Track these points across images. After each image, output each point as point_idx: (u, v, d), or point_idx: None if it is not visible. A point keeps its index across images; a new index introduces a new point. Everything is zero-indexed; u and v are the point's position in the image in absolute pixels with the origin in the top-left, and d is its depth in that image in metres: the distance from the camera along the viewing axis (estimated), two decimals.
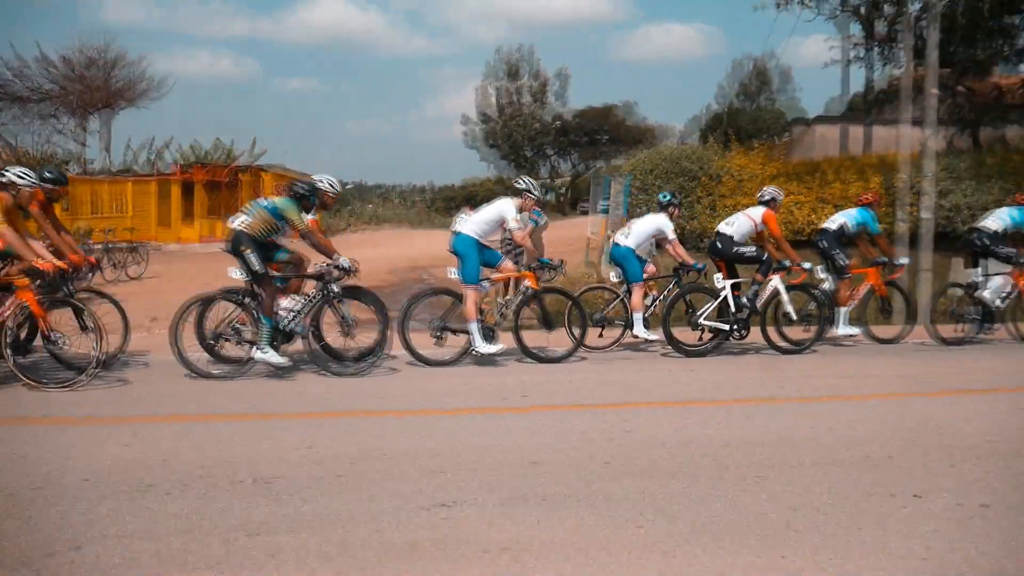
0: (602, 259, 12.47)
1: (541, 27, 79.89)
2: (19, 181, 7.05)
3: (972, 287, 9.88)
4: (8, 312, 6.71)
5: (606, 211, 16.99)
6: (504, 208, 8.35)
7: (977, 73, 19.07)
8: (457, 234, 8.33)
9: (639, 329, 8.98)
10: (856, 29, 19.76)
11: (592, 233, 17.39)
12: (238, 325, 7.53)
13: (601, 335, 9.22)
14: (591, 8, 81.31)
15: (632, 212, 13.95)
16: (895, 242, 12.85)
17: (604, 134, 42.80)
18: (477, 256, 8.22)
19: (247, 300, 7.44)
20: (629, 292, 9.14)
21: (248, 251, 7.28)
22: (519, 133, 41.23)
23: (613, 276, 9.55)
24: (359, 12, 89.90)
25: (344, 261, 7.54)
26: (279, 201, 7.57)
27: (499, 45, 73.66)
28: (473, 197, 44.95)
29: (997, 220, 9.90)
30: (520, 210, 8.45)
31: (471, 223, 8.32)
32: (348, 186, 46.26)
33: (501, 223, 8.39)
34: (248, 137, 34.15)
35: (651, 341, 9.25)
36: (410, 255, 20.08)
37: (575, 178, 44.68)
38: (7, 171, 7.15)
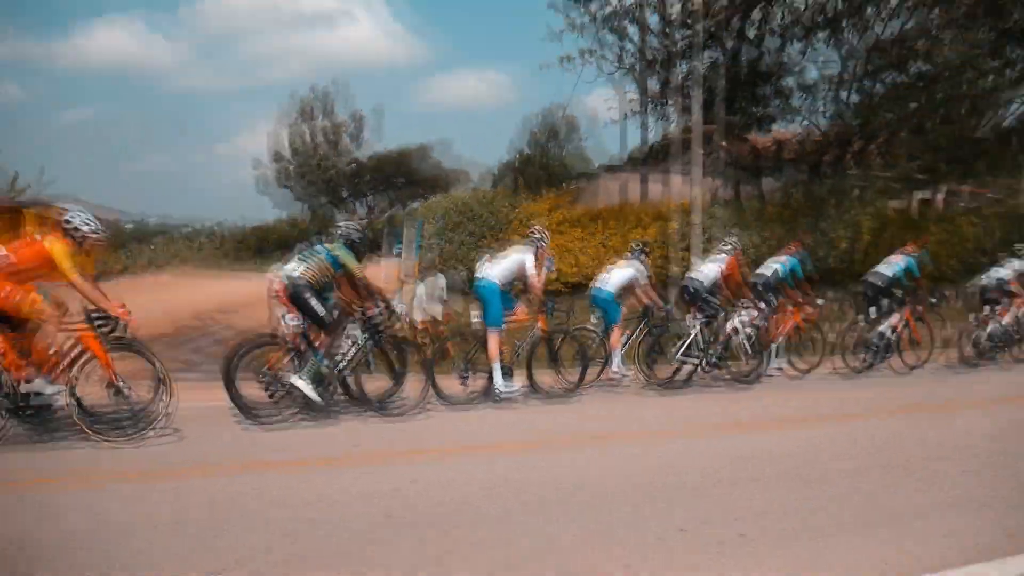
0: (411, 303, 12.40)
1: (342, 69, 79.19)
2: (84, 228, 6.87)
3: (872, 324, 11.50)
4: (74, 362, 6.66)
5: (399, 255, 16.95)
6: (524, 257, 9.04)
7: (742, 131, 21.01)
8: (481, 281, 8.91)
9: (617, 365, 9.95)
10: (634, 87, 21.21)
11: (404, 276, 17.23)
12: (267, 371, 7.64)
13: (587, 371, 9.74)
14: (394, 53, 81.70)
15: (422, 258, 13.96)
16: (668, 284, 13.74)
17: (402, 177, 42.85)
18: (500, 301, 8.82)
19: (292, 345, 7.63)
20: (607, 333, 10.01)
21: (311, 298, 7.58)
22: (314, 175, 40.46)
23: (593, 319, 10.31)
24: (145, 41, 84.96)
25: (399, 305, 8.13)
26: (337, 249, 7.88)
27: (295, 85, 72.33)
28: (264, 239, 43.45)
29: (889, 268, 11.67)
30: (536, 258, 9.13)
31: (494, 271, 8.93)
32: (129, 225, 43.27)
33: (521, 271, 9.02)
34: (17, 169, 30.79)
35: (626, 376, 10.10)
36: (194, 301, 18.96)
37: (370, 221, 44.40)
38: (73, 216, 6.89)
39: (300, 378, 7.49)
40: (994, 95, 19.77)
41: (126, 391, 6.79)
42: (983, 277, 12.52)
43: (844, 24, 17.84)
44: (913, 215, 21.63)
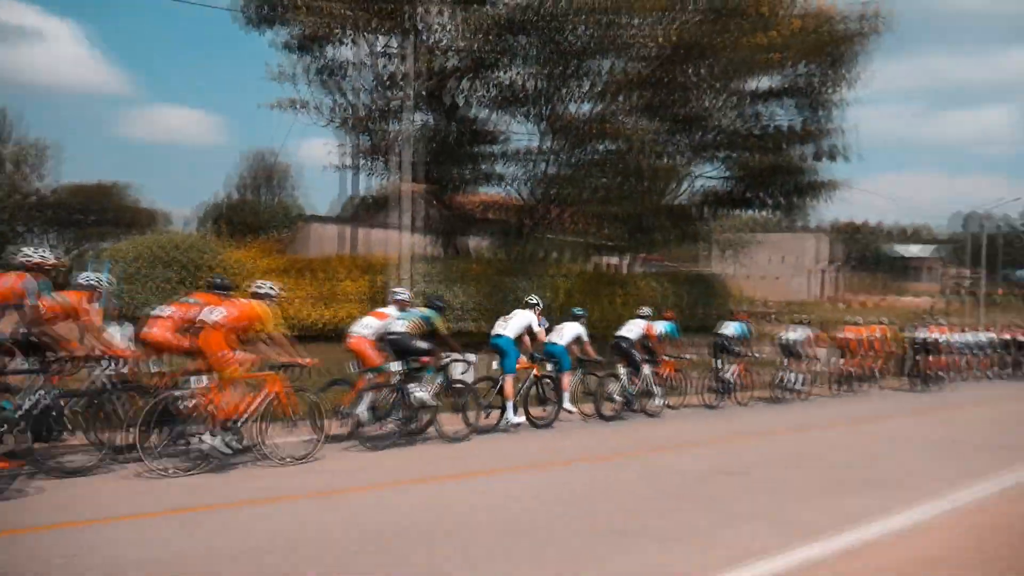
0: None
1: (23, 90, 71.02)
2: (272, 292, 8.37)
3: (717, 371, 15.09)
4: (261, 401, 7.95)
5: None
6: (530, 318, 11.51)
7: (451, 191, 21.87)
8: (500, 336, 11.29)
9: (567, 404, 11.88)
10: (349, 140, 21.33)
11: None
12: (341, 408, 9.39)
13: (544, 410, 11.87)
14: (90, 80, 74.87)
15: (107, 305, 12.80)
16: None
17: (92, 214, 39.17)
18: (515, 353, 11.24)
19: (388, 383, 9.63)
20: (558, 378, 11.93)
21: (416, 341, 9.80)
22: None
23: (550, 367, 12.08)
24: None
25: (473, 357, 11.15)
26: (429, 312, 10.26)
27: None
28: None
29: (731, 328, 15.22)
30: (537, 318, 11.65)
31: (510, 329, 11.29)
32: None
33: (529, 329, 11.41)
34: None
35: (573, 412, 12.04)
36: None
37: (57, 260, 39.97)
38: (262, 284, 8.49)
39: (421, 390, 9.59)
40: (672, 173, 22.53)
41: (297, 424, 8.32)
42: (781, 336, 16.86)
43: (541, 102, 19.38)
44: (607, 277, 23.85)
